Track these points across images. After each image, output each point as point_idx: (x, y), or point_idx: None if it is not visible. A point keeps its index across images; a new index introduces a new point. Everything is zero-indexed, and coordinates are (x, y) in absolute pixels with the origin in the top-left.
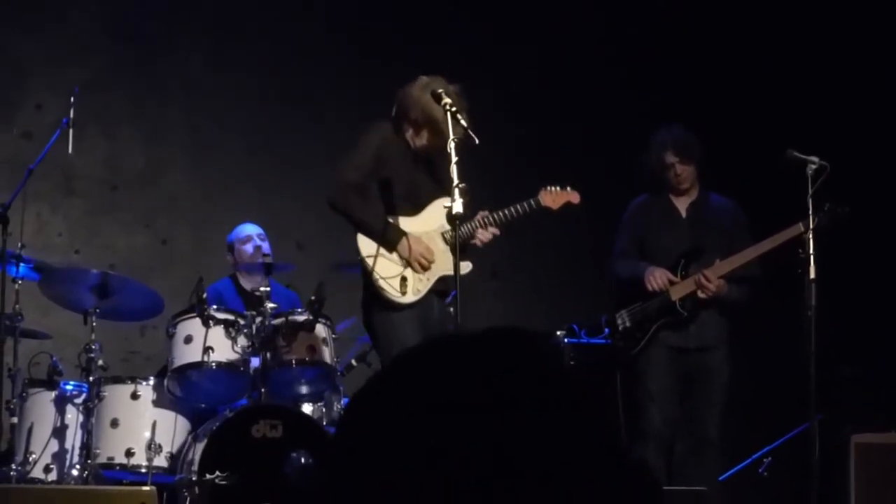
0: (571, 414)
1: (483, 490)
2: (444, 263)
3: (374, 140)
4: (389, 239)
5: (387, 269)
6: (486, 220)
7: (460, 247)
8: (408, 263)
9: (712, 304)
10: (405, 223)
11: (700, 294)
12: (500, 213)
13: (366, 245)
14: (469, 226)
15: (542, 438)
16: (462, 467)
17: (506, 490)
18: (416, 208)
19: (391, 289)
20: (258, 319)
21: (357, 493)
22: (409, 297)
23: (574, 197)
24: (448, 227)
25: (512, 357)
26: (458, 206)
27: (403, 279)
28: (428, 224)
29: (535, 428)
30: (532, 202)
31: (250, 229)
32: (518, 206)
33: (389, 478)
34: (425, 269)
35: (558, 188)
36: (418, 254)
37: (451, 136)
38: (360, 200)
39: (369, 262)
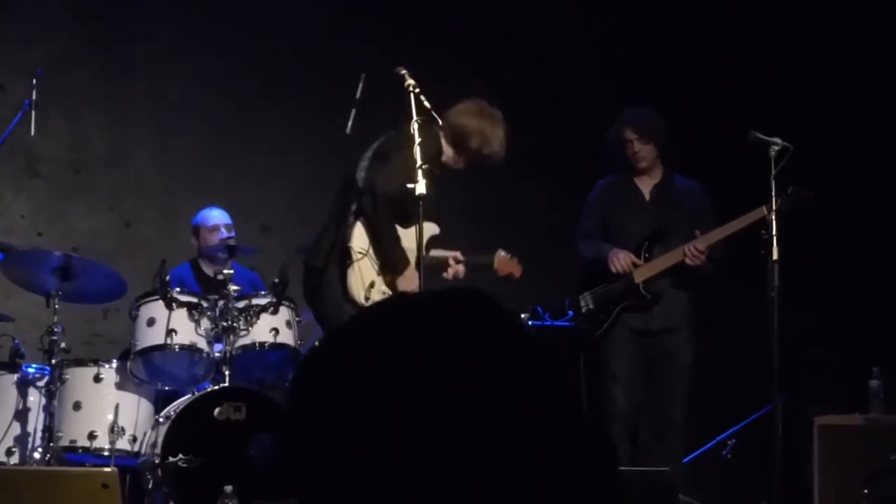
0: (529, 375)
1: (439, 450)
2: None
3: (413, 126)
4: (396, 264)
5: (365, 269)
6: (456, 259)
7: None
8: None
9: (676, 285)
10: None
11: (689, 262)
12: (466, 258)
13: (360, 238)
14: (441, 258)
15: (501, 399)
16: (420, 427)
17: (462, 451)
18: (408, 222)
19: (358, 288)
20: (221, 302)
21: (313, 455)
22: (367, 304)
23: (517, 270)
24: (423, 252)
25: (472, 317)
26: (421, 188)
27: (372, 284)
28: (410, 241)
29: (493, 388)
30: (486, 260)
31: (218, 217)
32: (477, 259)
33: (345, 439)
34: None
35: (510, 256)
36: (411, 290)
37: (415, 118)
38: (391, 212)
39: (355, 255)
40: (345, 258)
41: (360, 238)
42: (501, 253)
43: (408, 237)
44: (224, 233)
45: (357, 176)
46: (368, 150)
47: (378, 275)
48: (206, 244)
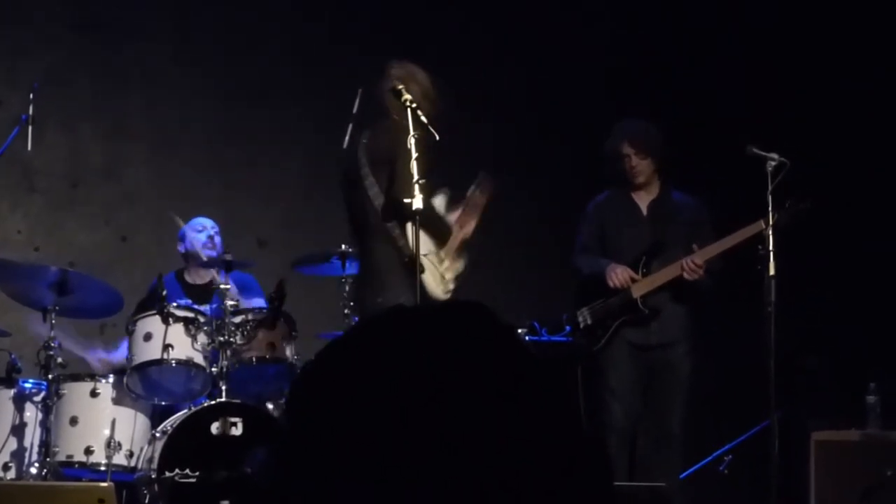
0: (527, 376)
1: (439, 451)
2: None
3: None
4: (445, 231)
5: (433, 267)
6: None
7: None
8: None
9: (674, 299)
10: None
11: (687, 276)
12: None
13: (424, 242)
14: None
15: (500, 400)
16: (420, 427)
17: (462, 452)
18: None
19: (437, 287)
20: (213, 308)
21: (312, 458)
22: (450, 288)
23: (486, 184)
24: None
25: (470, 322)
26: (417, 202)
27: (442, 277)
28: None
29: (492, 389)
30: (473, 198)
31: (205, 221)
32: (471, 204)
33: (345, 440)
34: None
35: (481, 182)
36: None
37: (412, 133)
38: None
39: (426, 260)
40: (416, 268)
41: (423, 243)
42: (474, 187)
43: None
44: (210, 231)
45: (376, 204)
46: (362, 166)
47: (440, 263)
48: (193, 246)
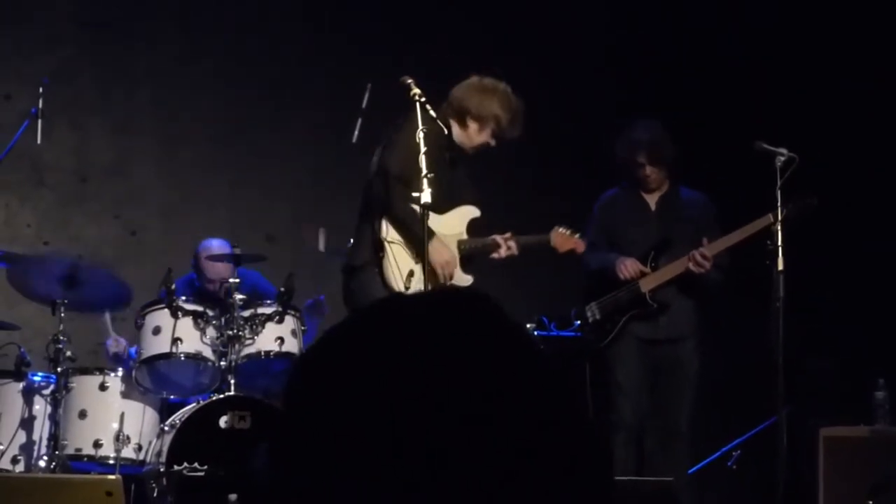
0: (529, 373)
1: (437, 449)
2: (456, 273)
3: (419, 135)
4: (420, 236)
5: (400, 258)
6: (506, 238)
7: (468, 257)
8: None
9: (682, 294)
10: (430, 222)
11: (693, 269)
12: (518, 238)
13: (391, 228)
14: (487, 239)
15: (500, 397)
16: (418, 425)
17: (461, 451)
18: (441, 209)
19: (396, 279)
20: (227, 311)
21: (308, 455)
22: (410, 287)
23: (580, 246)
24: (465, 236)
25: (470, 316)
26: (426, 196)
27: (411, 273)
28: (448, 228)
29: (492, 387)
30: (541, 239)
31: (210, 245)
32: (530, 239)
33: (341, 438)
34: (445, 280)
35: (569, 231)
36: (443, 262)
37: (420, 127)
38: (403, 191)
39: (387, 246)
40: (378, 250)
41: (391, 228)
42: (560, 229)
43: (443, 224)
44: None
45: (371, 171)
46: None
47: (416, 262)
48: (203, 272)
